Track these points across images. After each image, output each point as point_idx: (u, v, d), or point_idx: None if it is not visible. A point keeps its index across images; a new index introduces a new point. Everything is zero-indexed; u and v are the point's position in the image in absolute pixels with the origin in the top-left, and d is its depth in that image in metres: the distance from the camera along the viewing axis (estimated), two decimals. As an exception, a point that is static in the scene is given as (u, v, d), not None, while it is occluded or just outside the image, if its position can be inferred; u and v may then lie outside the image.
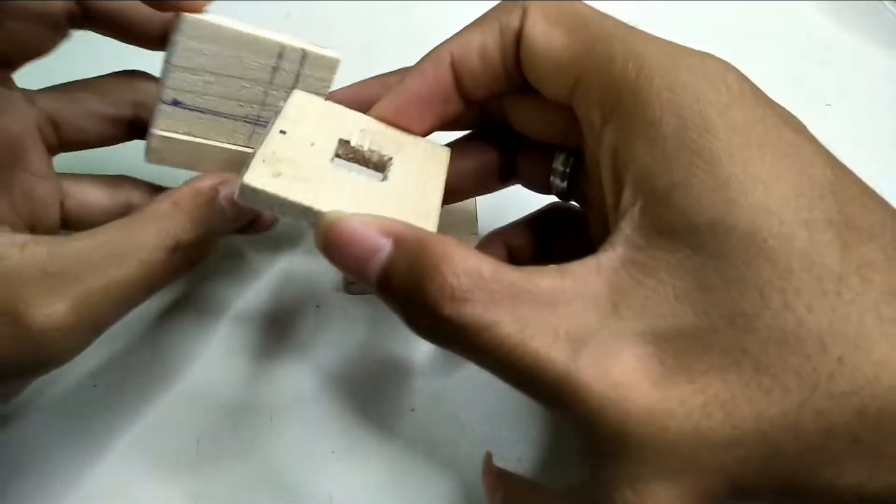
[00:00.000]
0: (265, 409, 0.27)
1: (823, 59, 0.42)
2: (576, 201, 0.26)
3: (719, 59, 0.19)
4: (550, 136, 0.24)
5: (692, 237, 0.16)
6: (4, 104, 0.23)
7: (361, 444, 0.26)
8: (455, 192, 0.25)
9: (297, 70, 0.24)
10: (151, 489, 0.25)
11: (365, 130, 0.23)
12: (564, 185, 0.25)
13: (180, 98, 0.24)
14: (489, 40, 0.22)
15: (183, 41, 0.22)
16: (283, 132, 0.21)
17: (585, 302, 0.17)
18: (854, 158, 0.18)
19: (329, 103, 0.23)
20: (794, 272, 0.15)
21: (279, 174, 0.19)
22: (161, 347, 0.28)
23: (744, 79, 0.18)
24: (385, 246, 0.18)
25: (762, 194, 0.16)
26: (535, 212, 0.28)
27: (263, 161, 0.20)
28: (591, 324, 0.16)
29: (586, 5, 0.21)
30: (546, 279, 0.17)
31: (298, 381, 0.28)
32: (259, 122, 0.25)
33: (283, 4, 0.44)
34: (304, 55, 0.24)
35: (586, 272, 0.17)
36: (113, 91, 0.26)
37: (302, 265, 0.32)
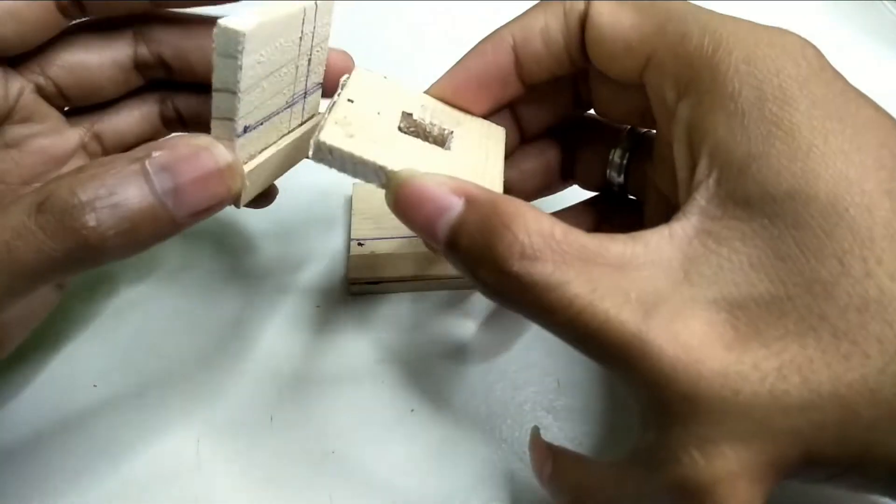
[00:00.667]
0: (265, 409, 0.27)
1: (823, 59, 0.42)
2: (632, 195, 0.26)
3: (797, 35, 0.19)
4: (628, 117, 0.24)
5: (770, 206, 0.16)
6: (48, 128, 0.24)
7: (361, 444, 0.26)
8: (521, 192, 0.26)
9: (313, 27, 0.22)
10: (151, 489, 0.24)
11: (425, 106, 0.23)
12: (622, 178, 0.25)
13: (248, 122, 0.20)
14: (553, 23, 0.22)
15: (248, 59, 0.18)
16: (350, 101, 0.21)
17: (657, 268, 0.17)
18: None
19: (387, 80, 0.23)
20: (876, 241, 0.15)
21: (352, 136, 0.20)
22: (159, 348, 0.28)
23: (822, 55, 0.18)
24: (456, 205, 0.18)
25: (843, 164, 0.16)
26: (584, 200, 0.28)
27: (336, 123, 0.20)
28: (663, 289, 0.17)
29: None
30: (618, 244, 0.17)
31: (298, 380, 0.28)
32: (295, 98, 0.22)
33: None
34: (316, 8, 0.22)
35: (658, 239, 0.17)
36: (149, 94, 0.27)
37: (302, 265, 0.32)
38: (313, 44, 0.23)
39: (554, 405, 0.27)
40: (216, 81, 0.19)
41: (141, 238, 0.18)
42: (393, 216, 0.20)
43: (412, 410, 0.27)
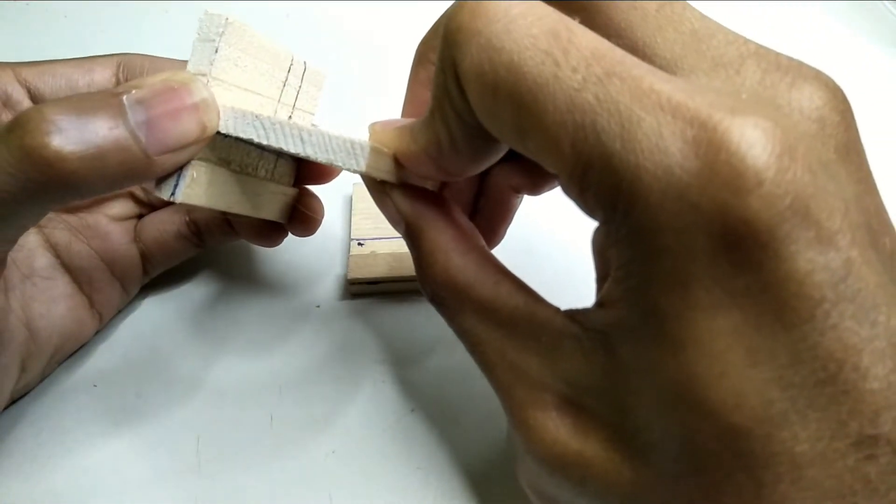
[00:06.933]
0: (265, 409, 0.27)
1: (823, 59, 0.42)
2: None
3: None
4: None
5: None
6: (110, 231, 0.27)
7: (361, 444, 0.26)
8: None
9: (299, 86, 0.23)
10: (151, 489, 0.24)
11: None
12: None
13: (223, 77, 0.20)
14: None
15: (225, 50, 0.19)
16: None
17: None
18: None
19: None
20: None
21: None
22: (160, 348, 0.28)
23: None
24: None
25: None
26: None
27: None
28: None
29: None
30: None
31: (298, 380, 0.28)
32: (269, 145, 0.21)
33: (284, 4, 0.44)
34: (305, 68, 0.23)
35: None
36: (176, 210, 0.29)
37: (302, 265, 0.32)
38: (296, 104, 0.23)
39: (554, 405, 0.27)
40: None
41: (109, 169, 0.17)
42: None
43: (412, 410, 0.27)
